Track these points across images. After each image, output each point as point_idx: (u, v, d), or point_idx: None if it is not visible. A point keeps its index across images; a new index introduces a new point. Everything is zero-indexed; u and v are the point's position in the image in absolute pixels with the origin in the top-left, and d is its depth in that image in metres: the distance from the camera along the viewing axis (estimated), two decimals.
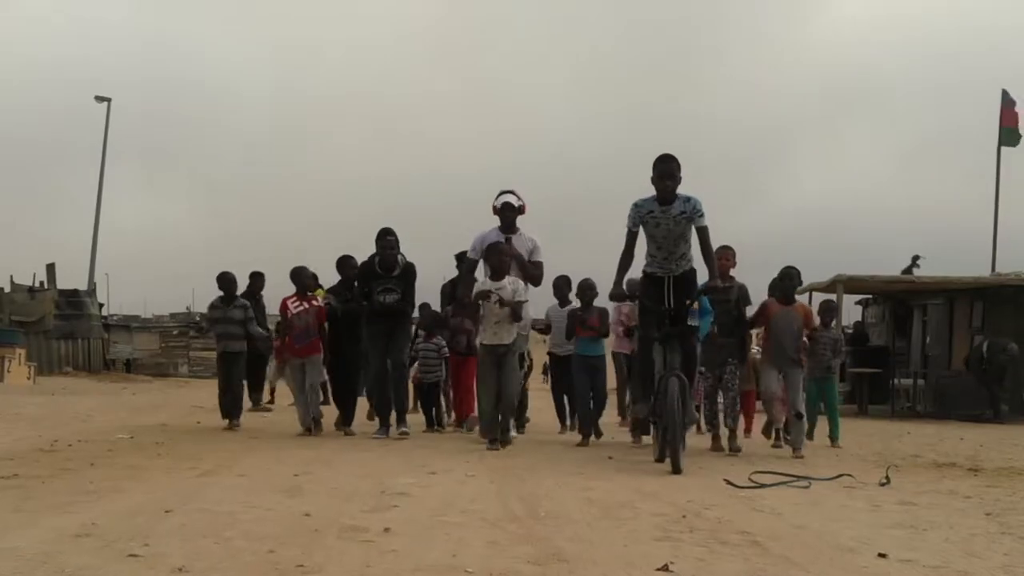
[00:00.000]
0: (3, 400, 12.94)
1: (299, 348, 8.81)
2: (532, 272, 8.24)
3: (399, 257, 8.57)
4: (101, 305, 26.80)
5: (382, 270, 8.51)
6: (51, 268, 23.68)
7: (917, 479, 6.32)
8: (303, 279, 8.97)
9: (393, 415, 8.65)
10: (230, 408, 9.30)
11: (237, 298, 9.56)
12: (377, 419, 8.79)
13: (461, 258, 9.26)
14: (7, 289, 23.10)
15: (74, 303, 23.06)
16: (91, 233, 28.15)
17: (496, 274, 7.64)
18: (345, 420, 9.02)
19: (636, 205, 6.55)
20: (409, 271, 8.61)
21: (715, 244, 6.96)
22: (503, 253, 7.68)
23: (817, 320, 8.57)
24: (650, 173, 6.53)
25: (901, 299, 18.53)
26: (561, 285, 9.31)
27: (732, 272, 8.08)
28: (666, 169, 6.48)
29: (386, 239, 8.48)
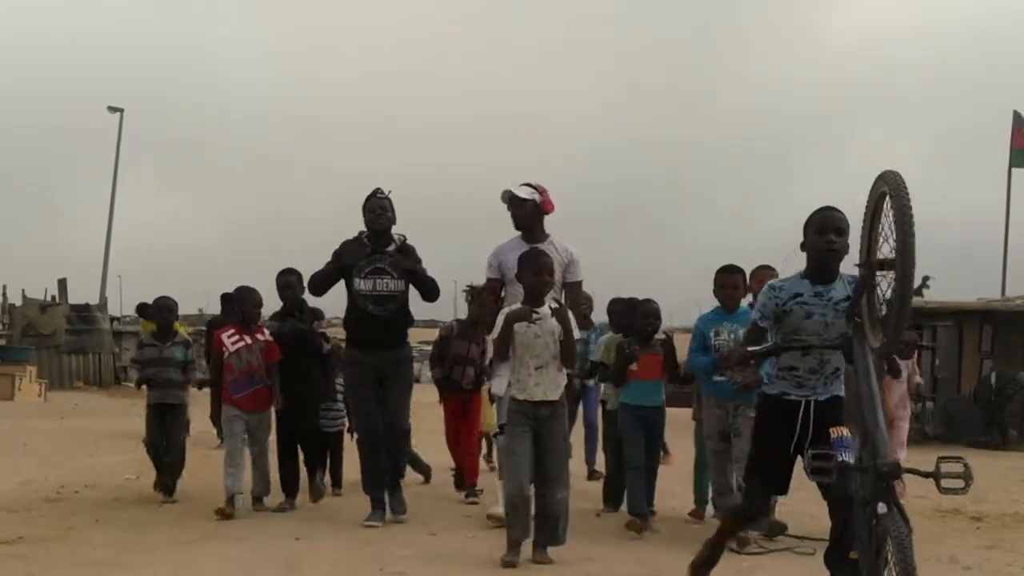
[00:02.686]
0: (13, 425, 13.03)
1: (238, 398, 6.64)
2: (568, 298, 5.85)
3: (397, 235, 6.26)
4: (113, 319, 26.99)
5: (372, 243, 6.16)
6: (63, 283, 23.87)
7: (917, 535, 6.28)
8: (246, 304, 6.86)
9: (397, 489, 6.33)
10: (167, 479, 6.97)
11: (176, 332, 7.36)
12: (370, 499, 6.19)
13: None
14: (19, 303, 23.30)
15: (85, 318, 23.18)
16: (102, 239, 28.42)
17: (530, 298, 5.16)
18: (286, 489, 6.75)
19: (773, 288, 4.18)
20: (410, 249, 6.23)
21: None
22: (542, 269, 5.16)
23: None
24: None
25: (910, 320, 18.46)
26: (621, 310, 7.06)
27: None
28: (834, 219, 4.06)
29: (375, 198, 6.18)
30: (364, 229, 6.22)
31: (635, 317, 6.52)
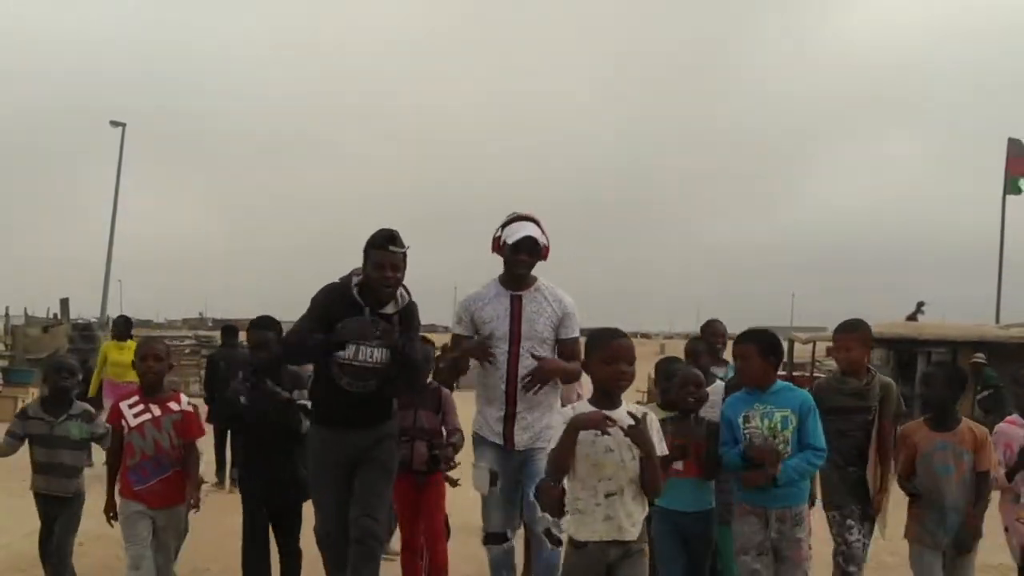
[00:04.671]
0: (15, 456, 13.10)
1: (140, 490, 5.04)
2: (564, 359, 4.86)
3: (401, 292, 4.78)
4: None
5: (366, 301, 4.70)
6: (65, 303, 24.13)
7: None
8: (148, 355, 5.13)
9: None
10: None
11: (75, 402, 5.46)
12: None
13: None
14: (21, 322, 23.55)
15: (87, 336, 23.36)
16: (104, 241, 28.70)
17: (602, 396, 3.75)
18: None
19: None
20: (410, 313, 4.82)
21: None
22: (617, 355, 3.68)
23: (996, 453, 4.84)
24: None
25: (905, 344, 18.66)
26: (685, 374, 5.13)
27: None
28: None
29: (388, 250, 4.59)
30: (357, 275, 4.75)
31: (670, 384, 4.90)
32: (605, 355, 3.66)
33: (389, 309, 4.76)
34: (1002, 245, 19.96)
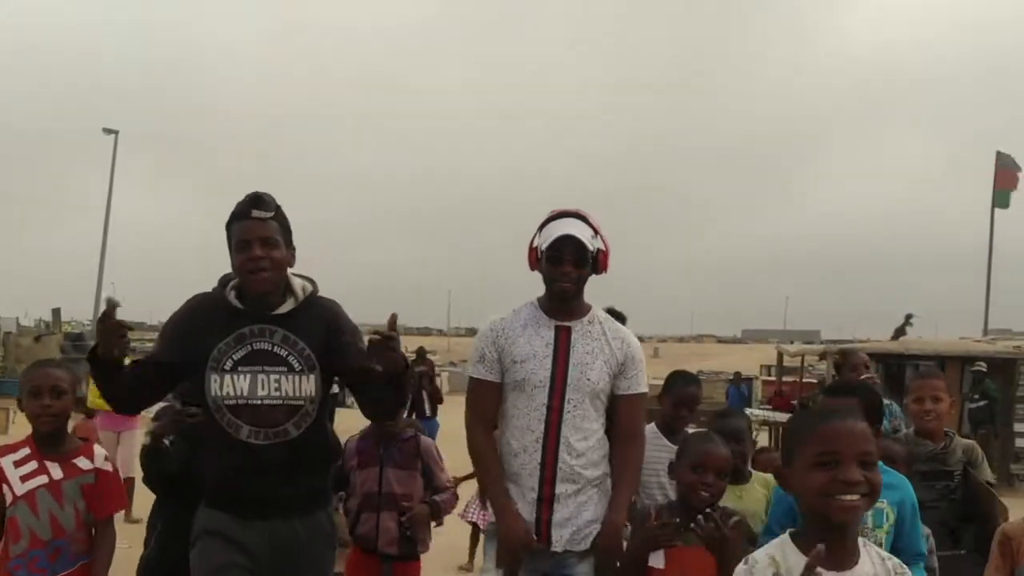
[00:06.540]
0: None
1: None
2: (624, 421, 3.36)
3: (298, 282, 3.12)
4: None
5: (245, 304, 3.05)
6: (56, 312, 24.24)
7: None
8: (42, 388, 3.26)
9: None
10: None
11: None
12: None
13: None
14: (14, 332, 23.63)
15: (79, 347, 23.43)
16: (97, 241, 28.70)
17: (821, 527, 1.95)
18: None
19: None
20: (330, 313, 3.11)
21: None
22: (835, 441, 1.97)
23: None
24: None
25: (893, 358, 18.84)
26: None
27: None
28: None
29: (251, 217, 2.97)
30: (230, 276, 3.13)
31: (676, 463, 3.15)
32: (810, 453, 1.99)
33: (285, 307, 3.05)
34: (991, 256, 20.18)
